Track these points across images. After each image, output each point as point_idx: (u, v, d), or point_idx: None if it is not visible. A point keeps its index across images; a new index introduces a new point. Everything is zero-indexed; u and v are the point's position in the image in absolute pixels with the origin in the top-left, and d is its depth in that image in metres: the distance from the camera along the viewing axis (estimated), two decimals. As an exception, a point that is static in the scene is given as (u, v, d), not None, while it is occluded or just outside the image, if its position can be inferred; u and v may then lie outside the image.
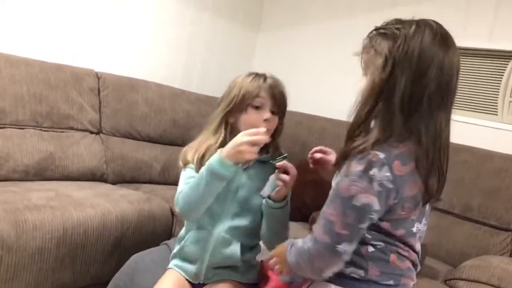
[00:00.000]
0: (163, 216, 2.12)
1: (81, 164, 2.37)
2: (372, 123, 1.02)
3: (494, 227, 2.25)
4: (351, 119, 1.03)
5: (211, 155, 1.27)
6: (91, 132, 2.52)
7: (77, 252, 1.79)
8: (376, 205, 0.93)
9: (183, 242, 1.38)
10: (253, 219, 1.36)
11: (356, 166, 0.94)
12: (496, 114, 2.69)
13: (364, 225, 0.96)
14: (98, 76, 2.60)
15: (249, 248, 1.39)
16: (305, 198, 2.30)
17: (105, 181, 2.48)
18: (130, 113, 2.67)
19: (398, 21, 1.03)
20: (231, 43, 3.46)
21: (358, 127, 1.01)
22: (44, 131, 2.28)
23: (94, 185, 2.28)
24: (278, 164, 1.26)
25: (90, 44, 2.71)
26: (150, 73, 2.95)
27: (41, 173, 2.20)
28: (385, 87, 0.97)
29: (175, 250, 1.42)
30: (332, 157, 1.28)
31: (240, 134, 1.20)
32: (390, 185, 0.93)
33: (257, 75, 1.35)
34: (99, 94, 2.59)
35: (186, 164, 1.36)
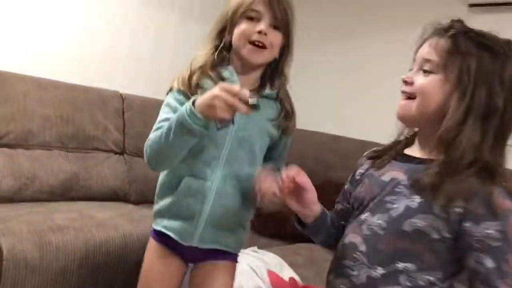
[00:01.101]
0: (184, 237, 2.11)
1: (105, 184, 2.40)
2: None
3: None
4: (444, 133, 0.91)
5: (200, 75, 1.13)
6: (115, 153, 2.56)
7: (99, 273, 1.79)
8: None
9: (173, 195, 1.14)
10: (257, 166, 1.16)
11: (506, 202, 0.85)
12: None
13: None
14: (122, 98, 2.65)
15: (248, 206, 1.19)
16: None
17: (127, 201, 2.50)
18: (154, 134, 2.69)
19: (486, 34, 0.97)
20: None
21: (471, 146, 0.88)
22: (70, 152, 2.33)
23: (116, 205, 2.29)
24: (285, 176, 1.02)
25: (115, 66, 2.76)
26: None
27: (66, 193, 2.23)
28: (483, 104, 0.89)
29: (159, 206, 1.19)
30: (311, 194, 1.06)
31: (218, 85, 0.98)
32: None
33: None
34: (123, 115, 2.63)
35: (170, 90, 1.17)
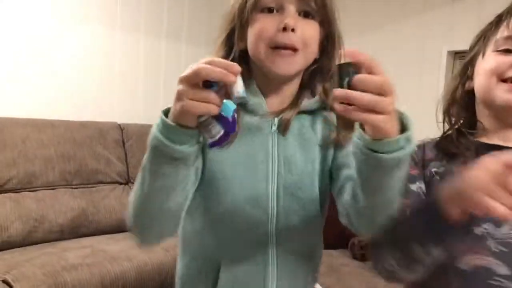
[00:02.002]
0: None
1: (114, 217, 2.39)
2: None
3: None
4: None
5: None
6: (120, 183, 2.55)
7: (118, 308, 1.77)
8: None
9: None
10: (309, 218, 0.80)
11: None
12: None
13: None
14: (121, 128, 2.66)
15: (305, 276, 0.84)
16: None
17: (138, 230, 2.49)
18: (156, 160, 2.69)
19: None
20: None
21: None
22: (75, 188, 2.33)
23: (127, 236, 2.28)
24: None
25: (111, 97, 2.78)
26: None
27: (75, 230, 2.23)
28: None
29: None
30: None
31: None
32: None
33: None
34: (124, 145, 2.63)
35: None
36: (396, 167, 0.60)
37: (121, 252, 1.93)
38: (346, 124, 0.77)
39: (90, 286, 1.70)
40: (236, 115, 0.60)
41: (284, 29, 0.71)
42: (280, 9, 0.73)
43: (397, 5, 3.04)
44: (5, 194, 2.10)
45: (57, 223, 2.16)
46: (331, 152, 0.80)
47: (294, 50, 0.73)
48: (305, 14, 0.75)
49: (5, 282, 1.60)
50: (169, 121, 0.60)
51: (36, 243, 2.08)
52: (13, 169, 2.14)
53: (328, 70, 0.80)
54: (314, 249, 0.85)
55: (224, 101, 0.58)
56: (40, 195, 2.19)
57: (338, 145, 0.79)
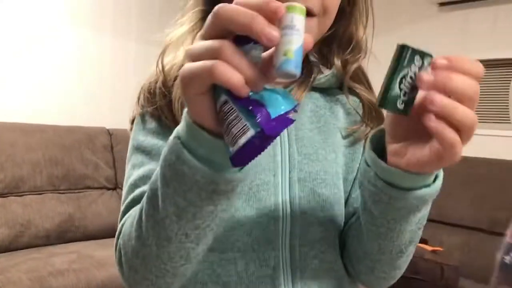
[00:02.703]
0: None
1: (101, 222, 2.39)
2: None
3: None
4: None
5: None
6: (108, 189, 2.55)
7: (104, 313, 1.78)
8: None
9: None
10: (332, 226, 0.59)
11: None
12: (509, 122, 2.65)
13: None
14: (109, 133, 2.66)
15: None
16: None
17: (126, 235, 2.49)
18: (144, 165, 2.70)
19: None
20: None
21: None
22: (62, 193, 2.32)
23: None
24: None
25: (99, 102, 2.78)
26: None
27: (62, 235, 2.22)
28: None
29: None
30: None
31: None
32: None
33: None
34: (112, 151, 2.64)
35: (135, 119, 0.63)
36: (416, 209, 0.46)
37: (108, 258, 1.93)
38: (377, 116, 0.60)
39: (76, 291, 1.70)
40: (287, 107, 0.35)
41: None
42: None
43: (385, 14, 3.09)
44: (-8, 199, 2.10)
45: (44, 228, 2.16)
46: (358, 151, 0.61)
47: (311, 15, 0.52)
48: None
49: (-10, 287, 1.60)
50: (194, 124, 0.38)
51: (22, 248, 2.07)
52: (0, 173, 2.13)
53: (347, 39, 0.61)
54: (340, 271, 0.60)
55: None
56: (27, 200, 2.18)
57: (357, 139, 0.61)
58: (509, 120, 2.66)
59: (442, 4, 2.85)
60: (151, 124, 0.58)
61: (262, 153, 0.34)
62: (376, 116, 0.60)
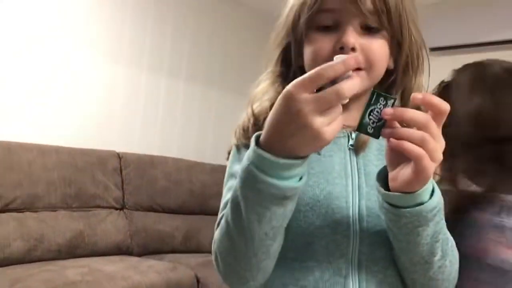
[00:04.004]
0: (189, 283, 2.24)
1: (109, 240, 2.53)
2: None
3: None
4: None
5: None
6: (116, 209, 2.70)
7: (112, 324, 1.90)
8: None
9: None
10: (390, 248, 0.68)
11: None
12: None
13: None
14: (119, 156, 2.82)
15: None
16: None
17: (130, 253, 2.62)
18: (151, 188, 2.85)
19: None
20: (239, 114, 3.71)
21: None
22: (74, 211, 2.47)
23: (122, 258, 2.42)
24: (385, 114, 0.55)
25: (111, 127, 2.96)
26: (166, 148, 3.18)
27: (72, 251, 2.35)
28: None
29: None
30: None
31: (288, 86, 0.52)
32: None
33: None
34: (121, 173, 2.79)
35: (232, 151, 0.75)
36: (419, 224, 0.56)
37: (117, 273, 2.06)
38: None
39: (88, 302, 1.83)
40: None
41: (342, 48, 0.63)
42: (338, 26, 0.64)
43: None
44: (9, 214, 2.23)
45: (56, 243, 2.29)
46: None
47: (357, 69, 0.62)
48: (368, 29, 0.65)
49: (10, 294, 1.73)
50: (278, 158, 0.51)
51: (35, 261, 2.19)
52: (18, 190, 2.28)
53: (405, 86, 0.72)
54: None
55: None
56: (41, 216, 2.32)
57: None
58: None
59: (432, 49, 3.08)
60: (244, 153, 0.63)
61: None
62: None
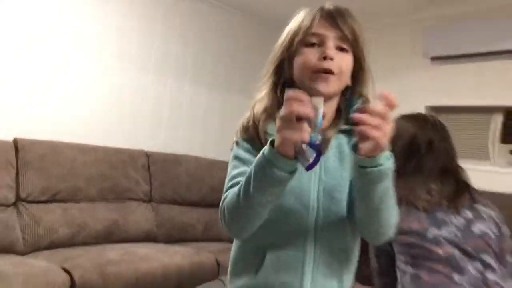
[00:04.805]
0: (210, 265, 2.56)
1: (138, 228, 2.86)
2: None
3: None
4: None
5: (265, 120, 0.96)
6: (144, 201, 3.03)
7: (146, 297, 2.23)
8: None
9: (259, 274, 0.95)
10: (345, 219, 0.95)
11: None
12: (488, 159, 3.10)
13: None
14: (147, 155, 3.15)
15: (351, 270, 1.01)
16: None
17: (157, 241, 2.94)
18: (175, 183, 3.18)
19: None
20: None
21: None
22: (110, 202, 2.80)
23: (150, 244, 2.75)
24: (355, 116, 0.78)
25: (139, 128, 3.30)
26: (188, 148, 3.51)
27: (108, 237, 2.69)
28: None
29: (241, 284, 0.99)
30: None
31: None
32: None
33: (309, 9, 0.98)
34: (149, 170, 3.12)
35: (236, 142, 1.00)
36: (378, 180, 0.82)
37: (149, 254, 2.39)
38: None
39: (127, 277, 2.15)
40: (321, 141, 0.78)
41: (325, 58, 0.91)
42: (321, 44, 0.93)
43: (387, 65, 3.60)
44: (56, 203, 2.58)
45: (95, 229, 2.63)
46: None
47: (332, 73, 0.92)
48: (341, 49, 0.94)
49: (64, 269, 2.06)
50: (274, 150, 0.79)
51: (78, 245, 2.53)
52: (62, 183, 2.62)
53: (361, 93, 0.99)
54: (349, 252, 0.98)
55: (312, 133, 0.76)
56: (82, 206, 2.66)
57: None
58: (488, 157, 3.10)
59: (434, 58, 3.35)
60: (245, 145, 0.97)
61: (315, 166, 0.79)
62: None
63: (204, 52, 3.66)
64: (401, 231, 1.23)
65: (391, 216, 0.91)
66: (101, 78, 3.08)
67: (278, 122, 0.77)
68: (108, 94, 3.12)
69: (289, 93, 0.76)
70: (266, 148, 0.81)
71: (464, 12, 3.23)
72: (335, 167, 0.95)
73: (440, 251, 1.25)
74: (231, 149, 1.00)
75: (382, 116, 0.76)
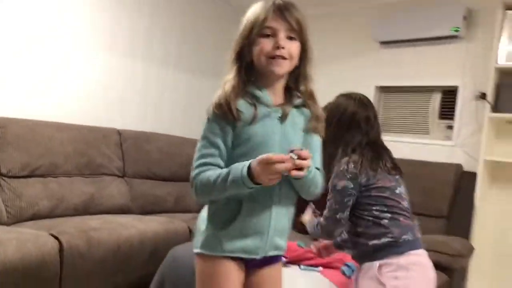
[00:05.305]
0: (182, 231, 2.82)
1: (114, 202, 3.06)
2: None
3: (431, 216, 3.01)
4: None
5: (235, 98, 1.19)
6: (118, 176, 3.23)
7: (126, 260, 2.46)
8: None
9: (238, 219, 1.21)
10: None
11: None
12: (428, 133, 3.51)
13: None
14: (119, 133, 3.34)
15: (293, 208, 1.33)
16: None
17: (131, 213, 3.15)
18: (147, 160, 3.39)
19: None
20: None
21: None
22: (86, 177, 2.99)
23: (127, 215, 2.96)
24: (297, 162, 1.12)
25: (112, 108, 3.47)
26: (158, 125, 3.72)
27: (86, 209, 2.87)
28: None
29: (223, 232, 1.23)
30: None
31: (266, 156, 1.10)
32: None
33: (262, 2, 1.22)
34: (121, 147, 3.31)
35: (208, 118, 1.23)
36: (306, 181, 1.21)
37: (127, 222, 2.61)
38: (316, 120, 1.29)
39: (109, 242, 2.37)
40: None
41: (278, 47, 1.17)
42: (274, 35, 1.18)
43: (340, 49, 3.92)
44: (36, 178, 2.73)
45: (73, 202, 2.81)
46: (309, 137, 1.30)
47: (284, 58, 1.19)
48: (290, 38, 1.19)
49: (52, 235, 2.26)
50: (251, 181, 1.11)
51: (58, 216, 2.71)
52: (41, 160, 2.77)
53: (305, 74, 1.26)
54: (294, 198, 1.31)
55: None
56: (60, 181, 2.83)
57: (310, 131, 1.29)
58: (428, 131, 3.51)
59: (382, 43, 3.70)
60: (217, 121, 1.21)
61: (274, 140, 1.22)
62: (319, 118, 1.30)
63: (170, 34, 3.84)
64: (378, 188, 1.57)
65: (316, 188, 1.28)
66: (73, 62, 3.22)
67: (266, 173, 1.10)
68: (85, 78, 3.27)
69: (273, 158, 1.08)
70: (244, 176, 1.11)
71: (409, 0, 3.57)
72: (291, 133, 1.24)
73: (404, 203, 1.60)
74: (206, 120, 1.24)
75: (309, 157, 1.13)
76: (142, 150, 3.40)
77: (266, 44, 1.18)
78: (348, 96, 1.74)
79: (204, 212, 1.29)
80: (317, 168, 1.28)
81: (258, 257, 1.25)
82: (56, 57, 3.11)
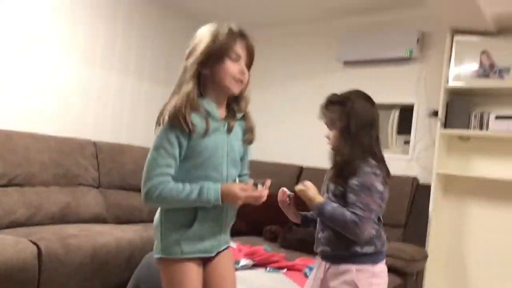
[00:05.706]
0: (158, 239, 2.94)
1: (90, 211, 3.15)
2: None
3: (390, 225, 3.24)
4: None
5: (190, 111, 1.29)
6: (93, 187, 3.33)
7: (103, 265, 2.57)
8: None
9: (195, 224, 1.34)
10: (236, 172, 1.47)
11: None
12: (388, 147, 3.78)
13: None
14: (95, 144, 3.44)
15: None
16: (260, 218, 3.20)
17: (106, 223, 3.25)
18: (121, 170, 3.50)
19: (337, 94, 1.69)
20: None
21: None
22: (63, 187, 3.08)
23: (103, 224, 3.06)
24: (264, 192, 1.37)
25: (87, 120, 3.57)
26: (132, 137, 3.84)
27: (63, 218, 2.96)
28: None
29: (183, 235, 1.34)
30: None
31: (239, 188, 1.33)
32: None
33: (230, 28, 1.36)
34: (97, 158, 3.42)
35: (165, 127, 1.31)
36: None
37: (104, 230, 2.73)
38: (252, 132, 1.47)
39: (86, 248, 2.48)
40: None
41: (243, 73, 1.37)
42: (238, 61, 1.36)
43: (306, 68, 4.17)
44: (13, 187, 2.82)
45: (51, 211, 2.89)
46: (245, 146, 1.48)
47: (242, 82, 1.38)
48: (247, 66, 1.40)
49: (31, 241, 2.35)
50: (220, 201, 1.31)
51: (35, 225, 2.79)
52: (18, 169, 2.86)
53: (246, 94, 1.44)
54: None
55: None
56: (38, 190, 2.92)
57: (247, 142, 1.47)
58: (388, 145, 3.78)
59: (345, 62, 3.97)
60: (172, 131, 1.29)
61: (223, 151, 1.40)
62: (252, 130, 1.48)
63: (144, 47, 4.00)
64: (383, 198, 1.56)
65: None
66: (50, 74, 3.32)
67: (236, 201, 1.35)
68: (58, 88, 3.38)
69: (254, 194, 1.34)
70: (217, 201, 1.31)
71: (372, 23, 3.85)
72: (235, 144, 1.42)
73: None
74: (158, 125, 1.33)
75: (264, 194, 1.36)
76: (117, 161, 3.51)
77: (233, 67, 1.34)
78: (367, 97, 1.76)
79: (157, 219, 1.42)
80: (245, 174, 1.52)
81: (213, 254, 1.42)
82: (32, 69, 3.22)
